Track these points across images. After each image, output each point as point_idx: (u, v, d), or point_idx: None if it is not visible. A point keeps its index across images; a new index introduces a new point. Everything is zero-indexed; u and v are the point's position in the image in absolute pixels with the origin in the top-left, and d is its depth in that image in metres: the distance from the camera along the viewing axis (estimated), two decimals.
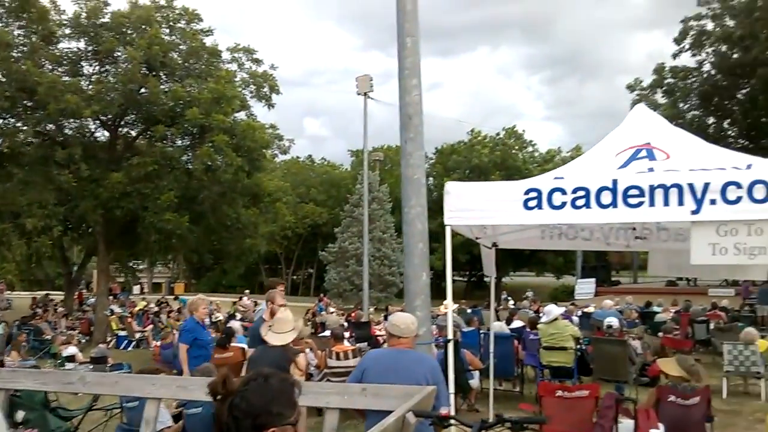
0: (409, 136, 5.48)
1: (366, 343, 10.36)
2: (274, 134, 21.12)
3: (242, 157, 18.25)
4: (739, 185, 4.88)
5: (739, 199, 4.86)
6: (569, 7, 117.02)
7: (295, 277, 56.90)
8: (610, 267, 35.38)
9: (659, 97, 22.92)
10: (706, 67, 22.48)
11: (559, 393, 5.93)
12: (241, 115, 20.23)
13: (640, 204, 5.06)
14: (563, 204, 5.20)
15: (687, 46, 22.24)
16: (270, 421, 2.05)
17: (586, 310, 17.21)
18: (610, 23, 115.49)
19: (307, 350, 8.51)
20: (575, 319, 14.53)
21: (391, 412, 3.10)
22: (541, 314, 11.23)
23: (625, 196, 5.08)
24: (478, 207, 5.40)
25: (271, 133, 20.90)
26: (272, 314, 6.19)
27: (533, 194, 5.27)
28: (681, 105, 22.23)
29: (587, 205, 5.15)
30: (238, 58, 20.39)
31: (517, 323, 12.65)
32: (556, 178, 5.69)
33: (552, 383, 6.55)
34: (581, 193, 5.16)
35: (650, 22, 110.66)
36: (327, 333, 10.95)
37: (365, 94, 22.68)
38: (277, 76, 20.55)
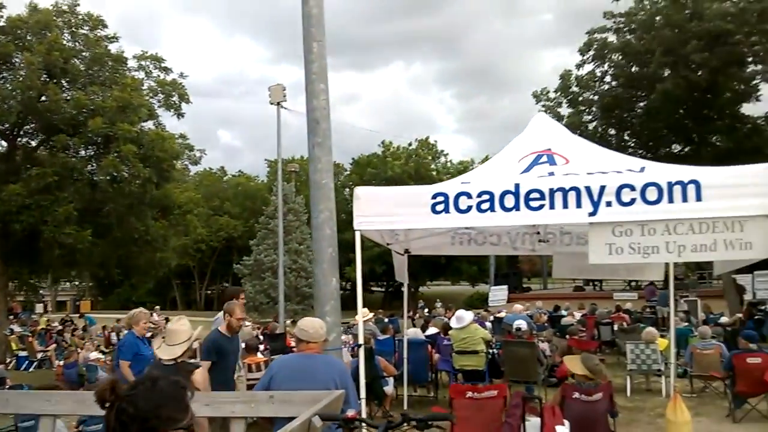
0: (317, 140, 5.46)
1: (281, 355, 10.19)
2: (185, 144, 20.49)
3: (150, 167, 17.56)
4: (632, 188, 5.14)
5: (633, 201, 5.12)
6: (480, 24, 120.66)
7: (209, 291, 55.44)
8: (521, 274, 36.47)
9: (564, 109, 23.88)
10: (608, 79, 23.63)
11: (470, 394, 6.01)
12: (149, 125, 19.53)
13: (541, 207, 5.24)
14: (469, 208, 5.31)
15: (590, 58, 23.25)
16: (159, 426, 1.96)
17: (498, 315, 17.70)
18: (520, 40, 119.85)
19: None
20: (488, 324, 14.86)
21: None
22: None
23: (527, 199, 5.26)
24: (387, 212, 5.44)
25: (181, 144, 20.27)
26: (230, 328, 5.82)
27: (440, 198, 5.37)
28: (584, 116, 23.24)
29: (492, 208, 5.29)
30: (145, 66, 19.66)
31: (431, 330, 12.79)
32: (462, 183, 5.82)
33: (462, 385, 6.62)
34: (486, 197, 5.30)
35: (558, 40, 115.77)
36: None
37: (278, 103, 22.45)
38: (189, 87, 19.97)
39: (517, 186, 5.28)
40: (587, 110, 23.33)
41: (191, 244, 45.18)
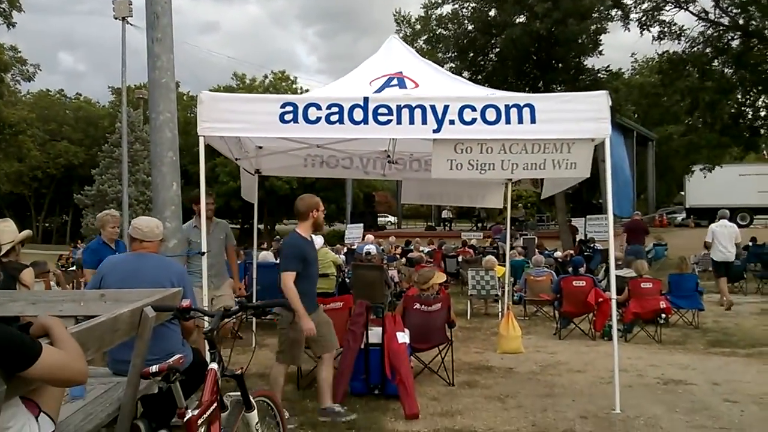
0: (157, 36, 5.12)
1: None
2: (16, 58, 18.53)
3: None
4: (474, 108, 5.34)
5: (473, 121, 5.32)
6: None
7: (47, 224, 51.48)
8: (376, 214, 37.42)
9: (420, 44, 24.17)
10: (466, 21, 24.19)
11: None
12: None
13: (389, 122, 5.30)
14: (318, 119, 5.26)
15: None
16: None
17: (351, 247, 18.08)
18: None
19: (52, 283, 7.79)
20: (342, 256, 15.14)
21: None
22: None
23: (376, 114, 5.29)
24: (234, 118, 5.26)
25: (12, 57, 18.28)
26: (316, 225, 5.27)
27: (289, 108, 5.26)
28: (440, 54, 23.71)
29: (341, 120, 5.27)
30: None
31: None
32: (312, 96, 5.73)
33: None
34: (335, 109, 5.27)
35: None
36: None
37: (123, 18, 20.72)
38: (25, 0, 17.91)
39: (366, 99, 5.29)
40: (443, 49, 23.81)
41: (27, 171, 41.45)
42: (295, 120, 5.26)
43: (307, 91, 48.93)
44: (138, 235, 4.01)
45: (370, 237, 15.72)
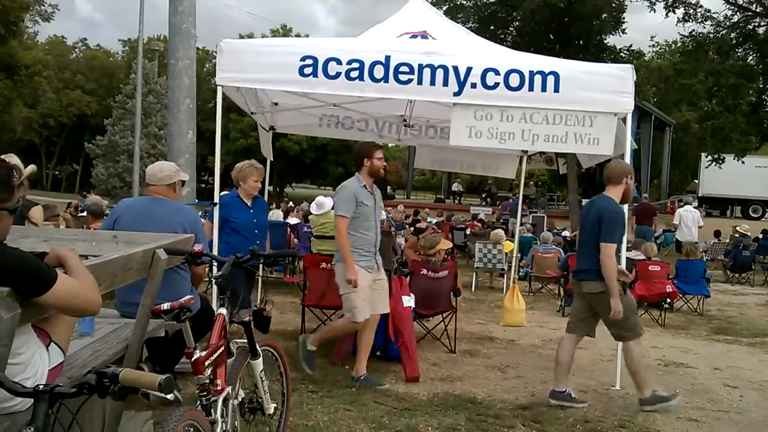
0: None
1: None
2: None
3: None
4: (497, 72, 5.24)
5: (496, 85, 5.22)
6: None
7: (57, 172, 51.62)
8: (387, 183, 37.35)
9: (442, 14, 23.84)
10: None
11: (323, 265, 6.10)
12: None
13: (409, 81, 5.22)
14: (338, 74, 5.19)
15: None
16: None
17: None
18: None
19: (62, 227, 7.78)
20: None
21: None
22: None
23: (396, 72, 5.21)
24: (254, 68, 5.18)
25: None
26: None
27: (309, 61, 5.18)
28: (460, 25, 23.37)
29: (360, 77, 5.19)
30: None
31: (293, 220, 12.79)
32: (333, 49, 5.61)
33: (317, 256, 6.70)
34: (356, 65, 5.19)
35: None
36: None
37: None
38: None
39: (387, 58, 5.20)
40: (464, 19, 23.45)
41: (38, 118, 41.42)
42: (314, 74, 5.18)
43: None
44: (151, 180, 3.98)
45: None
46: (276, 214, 10.94)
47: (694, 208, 15.17)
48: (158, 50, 35.78)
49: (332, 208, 6.65)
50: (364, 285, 4.81)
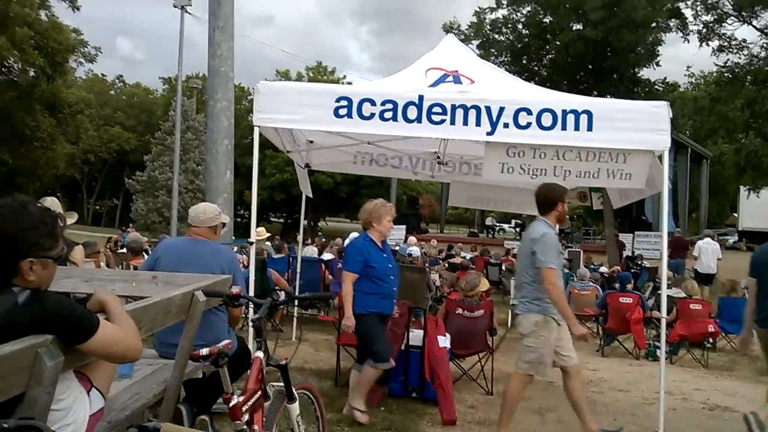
0: (219, 24, 5.16)
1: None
2: (78, 40, 19.10)
3: (44, 58, 16.27)
4: (529, 112, 5.24)
5: (528, 125, 5.22)
6: None
7: (97, 206, 52.90)
8: (420, 217, 37.37)
9: (473, 47, 23.99)
10: (520, 26, 23.87)
11: None
12: (41, 15, 18.00)
13: (442, 121, 5.24)
14: (372, 115, 5.24)
15: (504, 2, 23.37)
16: (26, 250, 1.85)
17: (394, 248, 18.01)
18: None
19: (102, 264, 7.94)
20: None
21: None
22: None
23: (430, 112, 5.24)
24: (289, 110, 5.27)
25: (75, 39, 18.87)
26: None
27: (344, 102, 5.25)
28: (493, 59, 23.51)
29: (394, 118, 5.24)
30: None
31: (327, 255, 12.86)
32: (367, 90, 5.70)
33: None
34: (389, 105, 5.24)
35: None
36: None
37: (182, 7, 21.09)
38: None
39: (421, 98, 5.24)
40: (497, 53, 23.55)
41: (80, 154, 42.66)
42: (349, 115, 5.25)
43: (349, 83, 49.00)
44: (193, 221, 4.06)
45: (413, 239, 15.66)
46: (310, 251, 10.99)
47: (716, 240, 15.49)
48: (197, 88, 36.78)
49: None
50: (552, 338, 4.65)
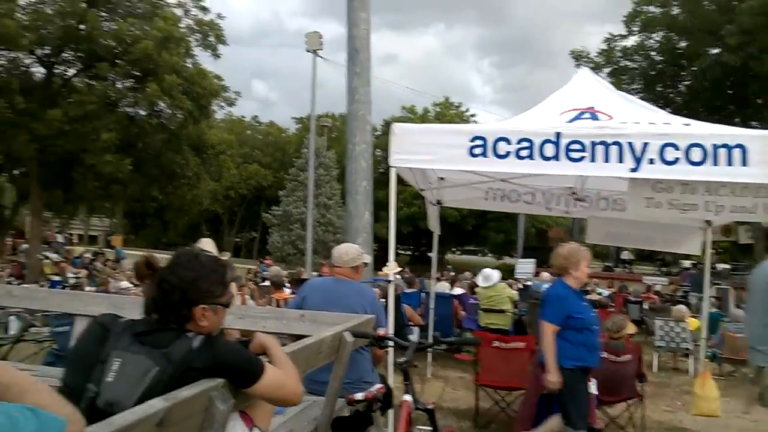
0: (356, 71, 5.38)
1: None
2: (221, 85, 20.66)
3: (192, 102, 17.78)
4: (677, 147, 4.97)
5: (676, 161, 4.95)
6: None
7: (237, 239, 56.15)
8: (549, 249, 36.31)
9: (604, 76, 23.27)
10: (653, 53, 22.90)
11: (496, 344, 6.01)
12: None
13: (581, 159, 5.10)
14: (507, 153, 5.20)
15: (636, 29, 22.58)
16: (199, 297, 2.01)
17: (526, 283, 17.63)
18: (564, 13, 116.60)
19: (247, 296, 8.42)
20: (515, 292, 14.82)
21: None
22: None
23: (568, 150, 5.11)
24: (425, 150, 5.36)
25: (217, 84, 20.43)
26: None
27: (479, 142, 5.26)
28: (625, 86, 22.66)
29: (531, 156, 5.16)
30: (183, 3, 19.77)
31: (458, 290, 12.81)
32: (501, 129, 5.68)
33: (489, 333, 6.62)
34: (525, 144, 5.17)
35: (604, 16, 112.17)
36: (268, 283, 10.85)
37: (314, 51, 22.19)
38: (224, 34, 20.04)
39: (558, 135, 5.14)
40: (629, 80, 22.68)
41: (221, 190, 45.64)
42: (484, 154, 5.25)
43: (476, 120, 48.40)
44: (336, 262, 4.23)
45: (546, 275, 15.16)
46: (442, 286, 11.00)
47: None
48: (327, 126, 38.40)
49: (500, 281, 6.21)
50: None
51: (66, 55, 18.65)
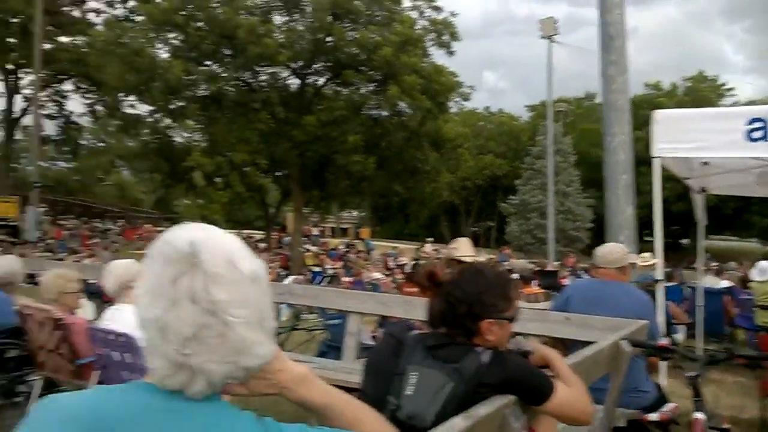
0: (611, 58, 5.08)
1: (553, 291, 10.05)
2: (456, 82, 21.14)
3: (430, 100, 18.55)
4: None
5: None
6: None
7: (475, 228, 57.02)
8: None
9: None
10: None
11: None
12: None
13: None
14: None
15: None
16: (484, 311, 2.04)
17: None
18: None
19: None
20: None
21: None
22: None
23: None
24: (692, 138, 4.90)
25: (453, 80, 20.95)
26: None
27: (758, 124, 4.67)
28: None
29: None
30: (418, 5, 20.51)
31: (724, 283, 11.56)
32: None
33: None
34: None
35: None
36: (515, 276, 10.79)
37: (549, 37, 21.57)
38: (457, 31, 20.38)
39: None
40: None
41: (457, 181, 46.61)
42: (765, 138, 4.65)
43: (733, 94, 43.10)
44: (600, 263, 4.02)
45: None
46: (709, 279, 9.99)
47: None
48: (563, 111, 37.10)
49: None
50: None
51: (316, 66, 20.57)
